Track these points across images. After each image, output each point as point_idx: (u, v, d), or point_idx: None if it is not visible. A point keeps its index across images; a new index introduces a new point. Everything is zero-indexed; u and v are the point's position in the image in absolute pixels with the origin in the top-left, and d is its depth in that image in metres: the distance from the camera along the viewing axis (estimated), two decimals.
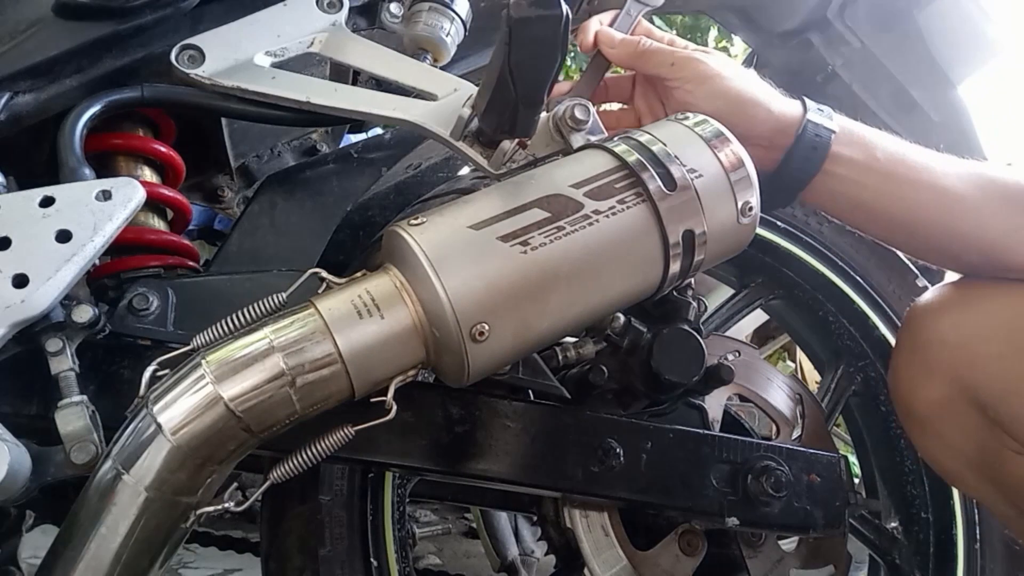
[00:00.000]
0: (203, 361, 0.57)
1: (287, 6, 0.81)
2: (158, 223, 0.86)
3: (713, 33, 3.36)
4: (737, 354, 1.00)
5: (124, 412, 0.60)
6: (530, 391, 0.81)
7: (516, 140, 0.71)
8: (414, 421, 0.76)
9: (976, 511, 1.09)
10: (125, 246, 0.79)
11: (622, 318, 0.78)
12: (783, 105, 0.79)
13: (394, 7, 0.86)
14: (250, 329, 0.60)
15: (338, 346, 0.58)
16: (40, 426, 0.67)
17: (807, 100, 0.80)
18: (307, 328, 0.58)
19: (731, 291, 1.19)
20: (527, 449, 0.79)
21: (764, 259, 1.13)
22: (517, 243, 0.61)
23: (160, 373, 0.60)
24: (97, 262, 0.70)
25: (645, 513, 0.90)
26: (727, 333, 1.13)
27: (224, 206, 1.16)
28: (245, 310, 0.63)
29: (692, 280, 0.75)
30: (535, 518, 1.02)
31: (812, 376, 2.25)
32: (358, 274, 0.63)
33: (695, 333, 0.79)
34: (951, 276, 0.90)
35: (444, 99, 0.76)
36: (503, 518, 1.64)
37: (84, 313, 0.67)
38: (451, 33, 0.86)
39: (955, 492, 1.09)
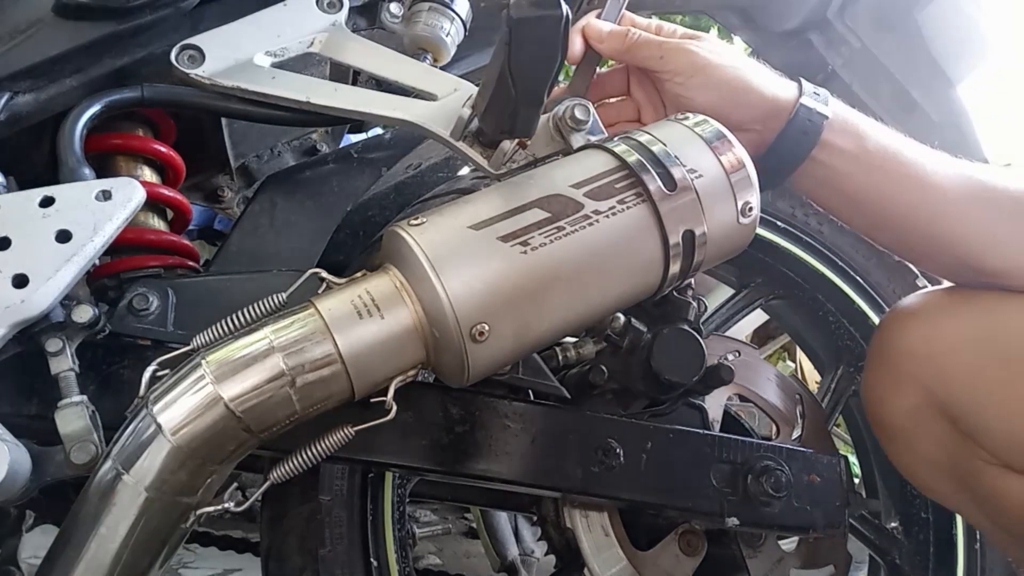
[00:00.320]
0: (203, 361, 0.57)
1: (287, 6, 0.81)
2: (158, 223, 0.86)
3: (713, 33, 3.35)
4: (737, 354, 1.00)
5: (124, 412, 0.60)
6: (530, 391, 0.81)
7: (516, 140, 0.71)
8: (414, 421, 0.76)
9: None
10: (125, 246, 0.79)
11: (622, 318, 0.79)
12: (777, 88, 0.77)
13: (394, 7, 0.86)
14: (250, 329, 0.60)
15: (338, 346, 0.58)
16: (40, 426, 0.67)
17: (803, 82, 0.78)
18: (307, 328, 0.58)
19: (731, 291, 1.19)
20: (527, 449, 0.79)
21: (764, 259, 1.12)
22: (517, 243, 0.61)
23: (160, 373, 0.60)
24: (97, 262, 0.70)
25: (645, 513, 0.90)
26: (727, 333, 1.13)
27: (224, 206, 1.16)
28: (245, 310, 0.63)
29: (692, 280, 0.75)
30: (535, 518, 1.02)
31: (812, 376, 2.25)
32: (358, 274, 0.63)
33: (695, 333, 0.79)
34: None
35: (444, 99, 0.76)
36: (503, 518, 1.64)
37: (84, 313, 0.67)
38: (451, 33, 0.86)
39: None
